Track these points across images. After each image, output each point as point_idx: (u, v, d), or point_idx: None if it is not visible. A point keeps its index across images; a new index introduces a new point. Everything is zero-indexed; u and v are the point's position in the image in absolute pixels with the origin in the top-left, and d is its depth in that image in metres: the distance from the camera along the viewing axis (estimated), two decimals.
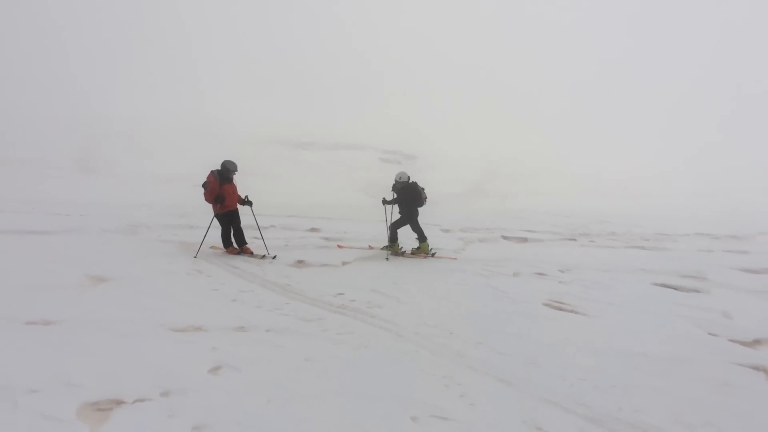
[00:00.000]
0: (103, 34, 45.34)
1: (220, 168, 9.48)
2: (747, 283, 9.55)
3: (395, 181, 10.90)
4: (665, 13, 66.79)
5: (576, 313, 6.67)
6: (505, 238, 15.47)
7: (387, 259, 10.27)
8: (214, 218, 9.64)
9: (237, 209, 9.80)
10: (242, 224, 9.80)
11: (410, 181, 10.84)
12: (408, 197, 10.73)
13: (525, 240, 15.29)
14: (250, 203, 9.84)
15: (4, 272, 6.64)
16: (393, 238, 10.89)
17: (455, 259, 10.81)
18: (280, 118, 43.96)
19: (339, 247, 11.34)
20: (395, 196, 10.92)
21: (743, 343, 5.63)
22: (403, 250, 10.96)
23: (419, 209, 10.87)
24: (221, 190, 9.34)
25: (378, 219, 15.96)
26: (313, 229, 14.27)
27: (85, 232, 10.92)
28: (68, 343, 4.28)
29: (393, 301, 6.65)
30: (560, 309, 6.82)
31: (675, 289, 8.71)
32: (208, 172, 9.43)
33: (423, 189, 10.80)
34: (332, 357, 4.49)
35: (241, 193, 9.86)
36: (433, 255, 10.87)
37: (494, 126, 52.07)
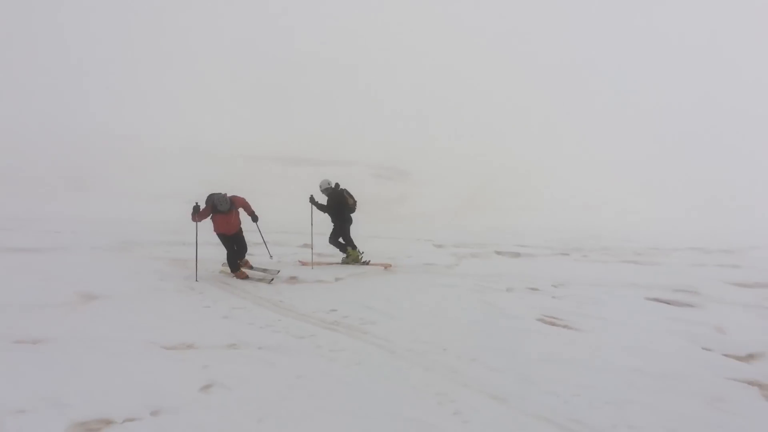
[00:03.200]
0: (91, 50, 45.40)
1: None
2: (740, 297, 9.57)
3: (321, 189, 10.78)
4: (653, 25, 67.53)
5: (569, 328, 6.65)
6: (498, 253, 15.47)
7: (364, 262, 10.75)
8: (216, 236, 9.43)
9: (236, 234, 9.43)
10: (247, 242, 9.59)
11: (339, 188, 10.72)
12: (335, 205, 10.63)
13: (518, 255, 15.30)
14: (255, 218, 9.60)
15: None
16: (344, 248, 10.88)
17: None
18: (269, 133, 44.05)
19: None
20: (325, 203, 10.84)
21: (737, 358, 5.62)
22: (365, 260, 10.96)
23: (351, 216, 10.90)
24: (214, 217, 9.10)
25: (370, 234, 15.91)
26: (305, 245, 14.23)
27: (75, 250, 10.84)
28: (57, 362, 4.24)
29: (386, 317, 6.61)
30: (553, 324, 6.80)
31: (668, 303, 8.71)
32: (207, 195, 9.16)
33: (351, 195, 10.72)
34: (324, 374, 4.45)
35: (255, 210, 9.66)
36: (367, 262, 10.92)
37: (487, 141, 52.30)
